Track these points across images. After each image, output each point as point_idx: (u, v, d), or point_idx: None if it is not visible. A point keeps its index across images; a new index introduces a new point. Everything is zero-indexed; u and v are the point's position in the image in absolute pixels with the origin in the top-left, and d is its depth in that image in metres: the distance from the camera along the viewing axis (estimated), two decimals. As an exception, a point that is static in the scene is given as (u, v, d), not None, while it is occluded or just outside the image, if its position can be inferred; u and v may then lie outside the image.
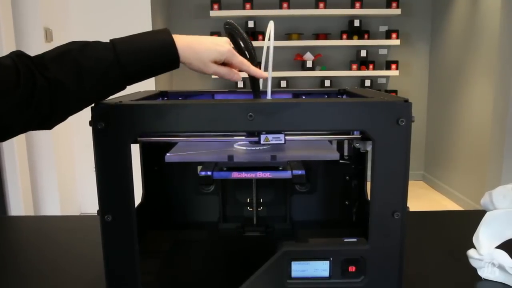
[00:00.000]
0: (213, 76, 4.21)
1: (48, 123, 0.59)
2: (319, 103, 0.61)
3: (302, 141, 0.79)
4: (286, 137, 0.61)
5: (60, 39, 3.08)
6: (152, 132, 0.65)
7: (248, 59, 0.68)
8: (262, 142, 0.61)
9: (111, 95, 0.61)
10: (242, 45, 0.69)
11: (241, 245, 0.88)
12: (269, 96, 0.72)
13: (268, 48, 0.71)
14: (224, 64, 0.66)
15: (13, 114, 0.55)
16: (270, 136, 0.61)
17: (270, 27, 0.69)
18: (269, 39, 0.69)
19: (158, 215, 0.95)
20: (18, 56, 0.57)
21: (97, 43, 0.62)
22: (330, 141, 0.82)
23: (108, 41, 0.62)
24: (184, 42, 0.63)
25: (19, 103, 0.54)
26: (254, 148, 0.73)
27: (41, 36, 2.83)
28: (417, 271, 0.79)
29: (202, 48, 0.64)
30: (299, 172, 0.66)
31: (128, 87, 0.63)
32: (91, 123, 0.60)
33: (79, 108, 0.60)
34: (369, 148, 0.75)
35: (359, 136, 0.68)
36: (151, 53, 0.61)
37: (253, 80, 0.71)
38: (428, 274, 0.79)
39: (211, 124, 0.60)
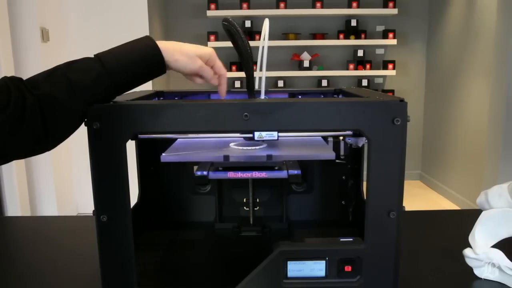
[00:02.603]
0: (210, 76, 4.20)
1: (44, 143, 0.59)
2: (314, 102, 0.61)
3: (297, 140, 0.79)
4: (280, 134, 0.61)
5: (57, 39, 3.07)
6: (148, 132, 0.65)
7: (244, 58, 0.68)
8: (256, 138, 0.61)
9: None
10: (239, 43, 0.69)
11: (237, 245, 0.87)
12: (262, 96, 0.72)
13: (263, 47, 0.70)
14: None
15: (3, 134, 0.54)
16: (263, 133, 0.61)
17: (265, 26, 0.69)
18: (264, 38, 0.69)
19: (154, 215, 0.94)
20: (9, 78, 0.57)
21: (82, 59, 0.62)
22: (326, 141, 0.82)
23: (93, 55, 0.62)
24: (168, 44, 0.65)
25: (9, 122, 0.54)
26: (250, 147, 0.73)
27: (38, 36, 2.82)
28: (413, 270, 0.79)
29: (186, 46, 0.65)
30: (295, 171, 0.66)
31: None
32: (86, 123, 0.60)
33: (73, 124, 0.60)
34: (360, 143, 0.75)
35: (351, 133, 0.68)
36: (136, 57, 0.62)
37: (248, 79, 0.71)
38: (424, 274, 0.79)
39: (207, 124, 0.60)
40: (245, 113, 0.59)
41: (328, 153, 0.70)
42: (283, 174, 0.67)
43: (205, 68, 0.67)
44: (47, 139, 0.59)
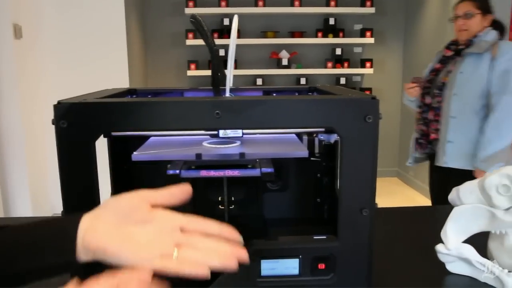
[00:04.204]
0: (188, 74, 4.18)
1: None
2: (285, 100, 0.61)
3: (271, 138, 0.79)
4: (253, 131, 0.61)
5: (30, 36, 3.00)
6: (118, 131, 0.63)
7: (211, 55, 0.68)
8: (220, 135, 0.60)
9: None
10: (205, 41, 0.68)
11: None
12: (227, 94, 0.71)
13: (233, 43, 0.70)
14: None
15: None
16: (228, 131, 0.61)
17: (234, 23, 0.69)
18: (232, 35, 0.68)
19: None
20: None
21: None
22: (300, 138, 0.81)
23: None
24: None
25: None
26: (223, 146, 0.73)
27: (10, 33, 2.75)
28: (386, 266, 0.80)
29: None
30: (268, 170, 0.66)
31: (101, 84, 0.61)
32: (53, 121, 0.59)
33: None
34: (333, 140, 0.75)
35: (322, 130, 0.68)
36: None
37: (213, 77, 0.70)
38: (397, 270, 0.80)
39: (178, 122, 0.59)
40: (217, 111, 0.58)
41: (301, 151, 0.70)
42: (256, 172, 0.67)
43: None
44: None
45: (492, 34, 2.21)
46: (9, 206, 2.89)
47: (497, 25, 2.27)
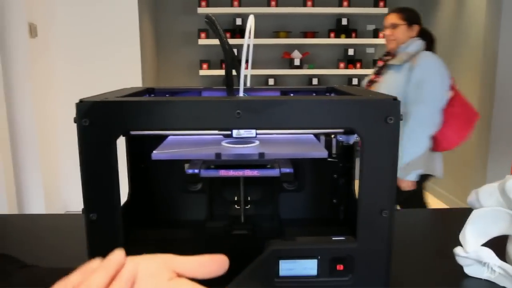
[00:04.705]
0: (201, 74, 4.19)
1: None
2: (307, 100, 0.60)
3: (289, 138, 0.79)
4: (272, 131, 0.61)
5: (44, 35, 3.04)
6: (138, 129, 0.64)
7: (224, 55, 0.68)
8: (234, 135, 0.61)
9: None
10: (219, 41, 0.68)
11: (228, 243, 0.87)
12: (241, 94, 0.71)
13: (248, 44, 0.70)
14: None
15: None
16: (241, 131, 0.61)
17: (250, 22, 0.69)
18: (249, 35, 0.68)
19: (145, 213, 0.93)
20: None
21: None
22: (318, 139, 0.81)
23: None
24: None
25: None
26: (242, 146, 0.73)
27: (25, 32, 2.78)
28: (404, 269, 0.79)
29: None
30: (287, 170, 0.66)
31: (114, 83, 0.61)
32: (75, 120, 0.59)
33: None
34: (351, 141, 0.75)
35: (342, 130, 0.68)
36: None
37: (227, 77, 0.70)
38: (415, 272, 0.80)
39: (198, 122, 0.59)
40: (238, 111, 0.58)
41: (320, 152, 0.70)
42: (275, 172, 0.67)
43: None
44: None
45: (416, 45, 2.33)
46: (23, 203, 2.93)
47: (425, 35, 2.40)
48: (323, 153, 0.69)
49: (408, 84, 2.22)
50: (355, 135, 0.70)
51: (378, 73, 2.49)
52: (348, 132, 0.70)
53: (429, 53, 2.31)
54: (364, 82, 2.58)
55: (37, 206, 2.95)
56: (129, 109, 0.59)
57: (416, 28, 2.40)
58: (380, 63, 2.51)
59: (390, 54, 2.46)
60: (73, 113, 0.60)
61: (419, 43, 2.34)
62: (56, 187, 3.21)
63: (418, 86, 2.18)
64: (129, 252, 0.65)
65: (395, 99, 0.60)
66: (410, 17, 2.42)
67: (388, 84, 2.31)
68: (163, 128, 0.61)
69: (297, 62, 4.28)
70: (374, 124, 0.60)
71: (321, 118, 0.60)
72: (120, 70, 3.28)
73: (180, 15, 4.38)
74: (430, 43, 2.41)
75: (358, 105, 0.60)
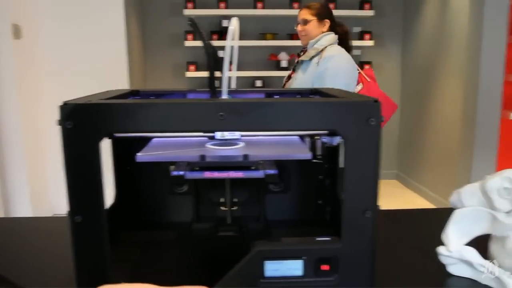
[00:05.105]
0: (187, 75, 4.18)
1: None
2: (290, 102, 0.61)
3: (274, 140, 0.79)
4: (257, 133, 0.62)
5: (29, 36, 3.00)
6: (122, 132, 0.64)
7: (207, 57, 0.68)
8: (217, 138, 0.61)
9: None
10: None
11: (214, 245, 0.87)
12: (224, 96, 0.71)
13: (231, 45, 0.70)
14: None
15: None
16: (225, 133, 0.61)
17: (234, 24, 0.69)
18: (232, 37, 0.69)
19: (131, 215, 0.93)
20: None
21: None
22: (303, 140, 0.82)
23: None
24: None
25: None
26: (226, 147, 0.73)
27: (9, 33, 2.75)
28: (388, 268, 0.80)
29: None
30: (272, 171, 0.66)
31: (101, 85, 0.61)
32: (59, 122, 0.59)
33: None
34: (335, 142, 0.75)
35: (326, 132, 0.69)
36: None
37: (210, 79, 0.71)
38: (400, 271, 0.81)
39: (182, 124, 0.59)
40: (221, 113, 0.58)
41: (304, 153, 0.71)
42: (259, 174, 0.67)
43: None
44: None
45: (325, 40, 2.38)
46: (9, 207, 2.89)
47: (337, 30, 2.45)
48: (307, 155, 0.70)
49: (314, 77, 2.27)
50: (339, 137, 0.70)
51: (293, 70, 2.53)
52: (332, 133, 0.71)
53: (335, 47, 2.36)
54: (284, 79, 2.63)
55: (23, 209, 2.92)
56: (112, 111, 0.59)
57: (327, 23, 2.43)
58: (296, 58, 2.56)
59: (303, 50, 2.50)
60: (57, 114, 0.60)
61: (328, 38, 2.38)
62: (42, 189, 3.18)
63: (322, 80, 2.22)
64: (115, 255, 0.65)
65: (375, 101, 0.61)
66: (321, 12, 2.45)
67: (298, 80, 2.36)
68: (147, 130, 0.61)
69: (284, 64, 4.29)
70: (356, 126, 0.61)
71: (305, 120, 0.61)
72: (107, 72, 3.26)
73: (167, 17, 4.37)
74: (343, 38, 2.46)
75: (340, 107, 0.61)
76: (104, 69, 3.26)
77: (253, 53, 4.31)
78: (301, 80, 2.34)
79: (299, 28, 2.49)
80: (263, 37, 4.25)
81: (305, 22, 2.45)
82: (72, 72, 3.23)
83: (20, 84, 2.84)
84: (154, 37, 4.39)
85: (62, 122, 0.58)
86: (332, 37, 2.39)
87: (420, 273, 0.80)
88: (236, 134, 0.62)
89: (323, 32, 2.41)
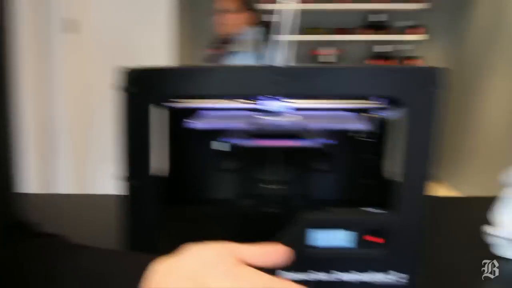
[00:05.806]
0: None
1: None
2: (352, 68, 0.61)
3: (327, 114, 0.79)
4: (314, 101, 0.62)
5: (84, 31, 3.09)
6: (181, 97, 0.66)
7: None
8: (270, 109, 0.63)
9: None
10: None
11: (258, 221, 0.88)
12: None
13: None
14: None
15: None
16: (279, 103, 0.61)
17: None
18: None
19: (179, 189, 0.95)
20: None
21: None
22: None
23: None
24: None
25: None
26: (279, 117, 0.74)
27: (62, 27, 2.84)
28: (436, 248, 0.79)
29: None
30: (328, 141, 0.66)
31: (144, 60, 0.63)
32: (121, 88, 0.61)
33: None
34: (394, 116, 0.75)
35: (385, 105, 0.68)
36: None
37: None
38: (447, 251, 0.80)
39: (239, 88, 0.60)
40: (278, 78, 0.59)
41: (360, 124, 0.70)
42: (317, 142, 0.67)
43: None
44: None
45: (252, 32, 2.33)
46: (54, 184, 2.96)
47: (260, 21, 2.41)
48: (364, 126, 0.70)
49: None
50: (392, 112, 0.70)
51: (209, 62, 2.52)
52: (384, 108, 0.70)
53: (248, 40, 2.33)
54: None
55: (66, 186, 2.99)
56: (174, 76, 0.61)
57: (248, 13, 2.40)
58: (211, 51, 2.52)
59: (221, 41, 2.48)
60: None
61: (250, 30, 2.34)
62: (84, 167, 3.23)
63: None
64: (162, 228, 0.67)
65: (440, 69, 0.60)
66: (242, 2, 2.41)
67: None
68: (205, 94, 0.63)
69: (329, 59, 4.26)
70: (418, 93, 0.60)
71: (364, 85, 0.60)
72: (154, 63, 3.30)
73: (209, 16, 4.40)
74: (265, 29, 2.39)
75: (403, 73, 0.60)
76: (151, 62, 3.30)
77: (295, 47, 4.29)
78: None
79: (217, 17, 2.47)
80: (306, 31, 4.22)
81: (225, 11, 2.43)
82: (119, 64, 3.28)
83: (71, 78, 2.92)
84: (203, 34, 4.44)
85: (128, 87, 0.61)
86: (255, 30, 2.35)
87: (466, 254, 0.79)
88: (290, 105, 0.63)
89: (243, 23, 2.39)
